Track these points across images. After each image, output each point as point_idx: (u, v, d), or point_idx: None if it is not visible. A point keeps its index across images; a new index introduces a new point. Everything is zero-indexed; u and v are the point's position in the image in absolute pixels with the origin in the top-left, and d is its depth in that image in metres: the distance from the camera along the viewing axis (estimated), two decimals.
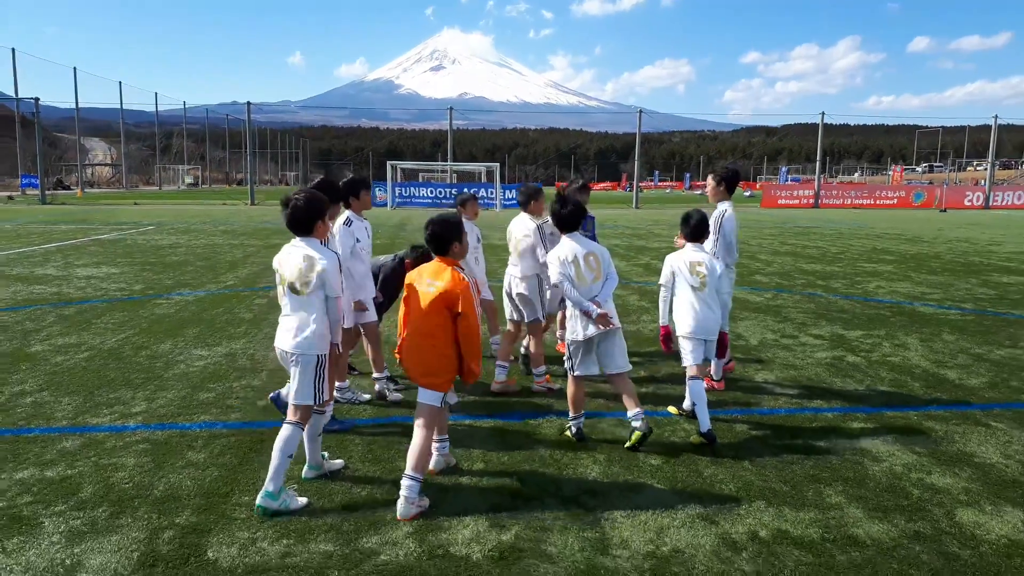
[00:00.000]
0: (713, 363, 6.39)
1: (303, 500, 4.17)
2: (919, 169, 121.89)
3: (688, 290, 5.41)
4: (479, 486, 4.43)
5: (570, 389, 5.24)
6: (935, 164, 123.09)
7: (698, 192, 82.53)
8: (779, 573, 3.50)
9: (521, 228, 6.42)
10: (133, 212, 34.50)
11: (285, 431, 4.15)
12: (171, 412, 5.72)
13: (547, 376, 6.42)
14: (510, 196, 41.35)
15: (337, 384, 5.90)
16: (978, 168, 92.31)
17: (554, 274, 5.13)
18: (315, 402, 4.24)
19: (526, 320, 6.41)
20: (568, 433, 5.28)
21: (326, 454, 4.70)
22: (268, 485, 4.05)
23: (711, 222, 6.30)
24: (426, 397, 4.27)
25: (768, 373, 7.05)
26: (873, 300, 11.30)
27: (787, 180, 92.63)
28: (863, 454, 5.00)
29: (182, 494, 4.26)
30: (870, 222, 32.06)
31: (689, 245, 5.56)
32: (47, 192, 46.42)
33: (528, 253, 6.35)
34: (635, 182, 50.47)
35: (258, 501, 4.03)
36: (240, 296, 11.13)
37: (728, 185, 6.52)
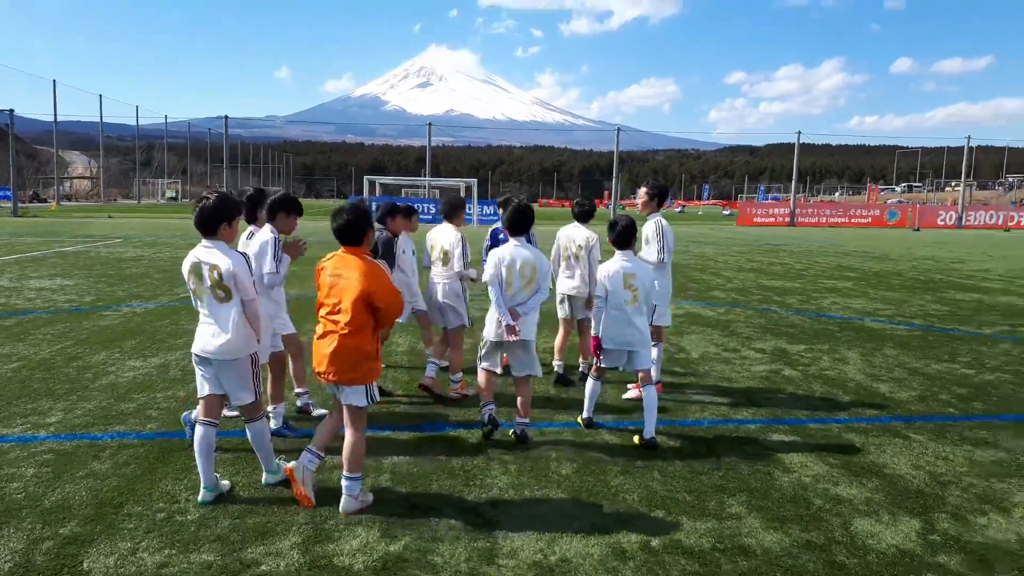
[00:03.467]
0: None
1: (288, 464, 4.46)
2: (898, 189, 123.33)
3: (619, 303, 5.43)
4: (381, 497, 4.36)
5: (479, 377, 5.44)
6: (914, 184, 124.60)
7: (677, 209, 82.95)
8: None
9: (445, 237, 6.51)
10: (105, 225, 34.22)
11: (251, 430, 4.41)
12: (86, 423, 5.64)
13: (463, 383, 6.53)
14: (488, 212, 41.45)
15: (296, 389, 6.00)
16: (956, 188, 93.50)
17: (486, 273, 5.33)
18: (255, 396, 4.33)
19: (450, 327, 6.49)
20: (483, 422, 5.39)
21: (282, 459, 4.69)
22: (267, 468, 4.51)
23: (654, 232, 6.35)
24: (351, 397, 4.20)
25: (701, 386, 7.05)
26: (825, 316, 11.36)
27: (766, 199, 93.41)
28: (775, 465, 5.00)
29: (74, 504, 4.19)
30: (842, 240, 32.34)
31: (619, 254, 5.58)
32: (20, 205, 45.95)
33: (451, 260, 6.44)
34: (614, 199, 50.72)
35: (263, 481, 4.52)
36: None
37: (659, 199, 6.60)
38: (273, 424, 5.37)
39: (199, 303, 4.30)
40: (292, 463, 4.30)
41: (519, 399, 5.38)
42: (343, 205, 4.28)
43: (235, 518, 4.07)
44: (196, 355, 4.33)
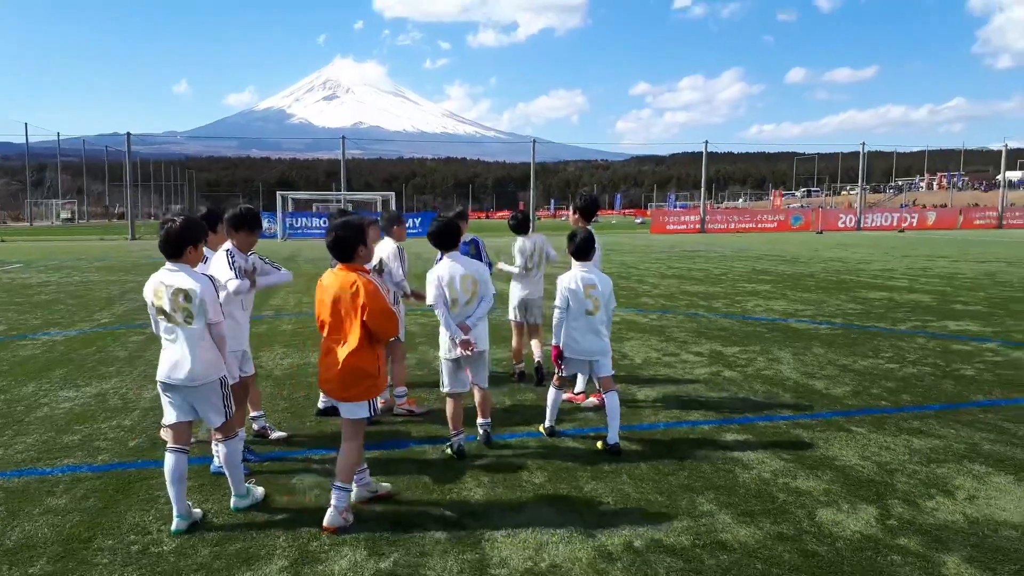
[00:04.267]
0: (580, 379, 6.68)
1: (261, 490, 4.61)
2: (798, 194, 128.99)
3: (580, 313, 5.54)
4: (359, 516, 4.34)
5: (447, 407, 5.38)
6: (812, 189, 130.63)
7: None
8: None
9: (384, 251, 6.52)
10: (0, 249, 32.36)
11: (224, 448, 4.37)
12: (30, 457, 5.37)
13: (409, 399, 6.57)
14: (410, 225, 41.27)
15: (252, 413, 5.83)
16: (851, 192, 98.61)
17: (430, 295, 5.31)
18: (227, 417, 4.33)
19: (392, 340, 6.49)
20: (449, 451, 5.36)
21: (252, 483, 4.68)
22: (236, 491, 4.43)
23: None
24: (349, 412, 4.29)
25: (650, 390, 7.27)
26: (751, 318, 11.85)
27: (676, 207, 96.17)
28: (735, 463, 5.22)
29: (38, 542, 4.00)
30: (752, 245, 33.66)
31: (577, 265, 5.70)
32: None
33: (390, 273, 6.50)
34: (531, 210, 51.26)
35: (232, 506, 4.42)
36: (115, 334, 10.60)
37: (583, 214, 6.87)
38: (217, 462, 5.03)
39: (162, 327, 4.22)
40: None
41: (478, 401, 5.52)
42: (336, 221, 4.31)
43: (214, 545, 3.98)
44: (162, 382, 4.25)
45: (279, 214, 42.76)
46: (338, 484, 4.23)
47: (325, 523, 4.14)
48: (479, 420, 5.54)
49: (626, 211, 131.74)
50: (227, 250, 5.17)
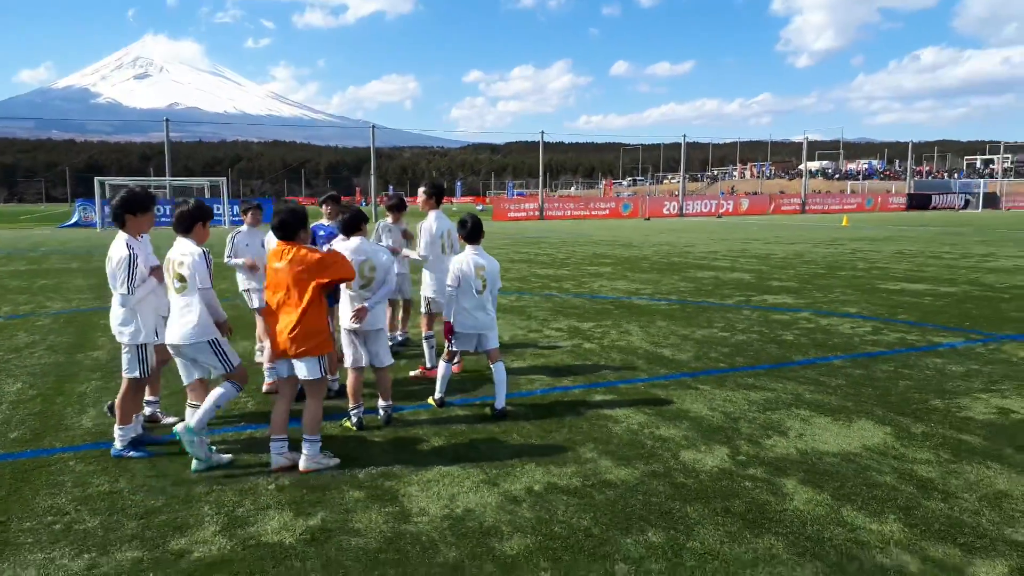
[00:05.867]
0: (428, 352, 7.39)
1: (228, 456, 4.95)
2: (625, 183, 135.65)
3: (470, 292, 6.02)
4: (277, 484, 4.61)
5: (348, 381, 5.74)
6: (638, 178, 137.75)
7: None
8: (553, 514, 4.18)
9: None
10: None
11: (221, 388, 4.87)
12: None
13: None
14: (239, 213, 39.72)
15: (147, 397, 5.84)
16: (672, 181, 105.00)
17: None
18: (232, 368, 4.94)
19: None
20: (348, 423, 5.70)
21: (214, 447, 5.04)
22: (190, 422, 4.73)
23: (423, 229, 7.19)
24: (304, 371, 4.82)
25: (522, 362, 7.89)
26: (599, 297, 12.82)
27: (514, 195, 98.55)
28: (607, 419, 5.92)
29: None
30: (589, 231, 35.45)
31: (469, 247, 6.18)
32: None
33: None
34: (372, 196, 50.92)
35: (177, 429, 4.74)
36: None
37: (436, 198, 7.49)
38: (119, 445, 5.09)
39: (171, 294, 4.92)
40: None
41: (380, 385, 5.87)
42: (282, 207, 4.92)
43: (139, 519, 4.13)
44: (169, 345, 4.92)
45: (97, 202, 39.75)
46: (306, 437, 4.83)
47: (300, 468, 4.77)
48: (380, 403, 5.85)
49: (464, 198, 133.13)
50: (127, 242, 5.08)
